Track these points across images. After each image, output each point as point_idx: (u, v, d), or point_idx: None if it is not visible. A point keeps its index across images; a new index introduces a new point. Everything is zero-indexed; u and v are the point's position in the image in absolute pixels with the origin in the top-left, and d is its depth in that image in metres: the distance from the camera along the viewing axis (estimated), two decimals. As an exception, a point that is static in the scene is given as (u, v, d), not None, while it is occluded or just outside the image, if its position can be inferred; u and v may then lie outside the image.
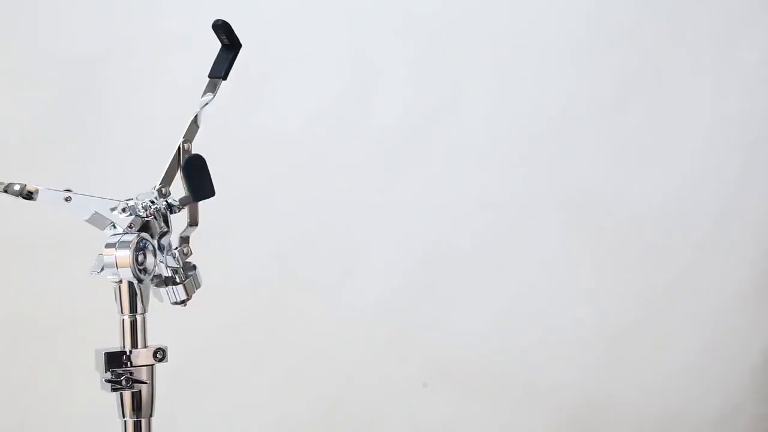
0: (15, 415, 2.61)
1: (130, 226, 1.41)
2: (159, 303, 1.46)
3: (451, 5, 2.97)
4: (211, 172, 1.32)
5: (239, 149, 2.69)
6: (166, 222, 1.44)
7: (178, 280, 1.45)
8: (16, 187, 1.39)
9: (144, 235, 1.39)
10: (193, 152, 1.36)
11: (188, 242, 1.49)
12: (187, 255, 1.48)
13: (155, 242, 1.42)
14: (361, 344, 2.93)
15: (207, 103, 1.52)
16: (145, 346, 1.40)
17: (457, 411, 3.01)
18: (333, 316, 2.90)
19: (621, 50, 3.13)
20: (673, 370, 3.21)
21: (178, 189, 1.46)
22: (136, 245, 1.37)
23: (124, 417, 1.39)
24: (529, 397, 3.08)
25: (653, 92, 3.14)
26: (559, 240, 3.09)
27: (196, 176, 1.24)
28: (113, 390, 1.36)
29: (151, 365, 1.39)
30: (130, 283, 1.38)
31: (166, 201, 1.42)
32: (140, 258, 1.38)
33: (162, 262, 1.43)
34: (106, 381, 1.35)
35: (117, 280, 1.38)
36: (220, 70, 1.54)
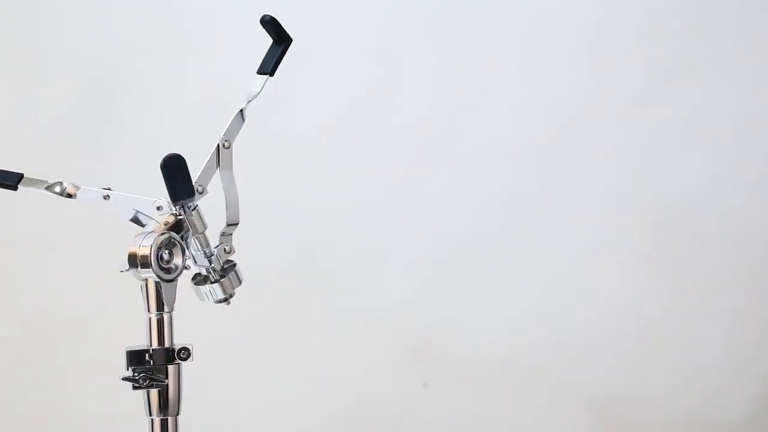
0: (43, 412, 2.67)
1: (165, 224, 1.41)
2: (200, 302, 1.46)
3: (475, 4, 2.94)
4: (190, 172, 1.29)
5: (262, 149, 2.68)
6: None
7: (212, 279, 1.44)
8: (57, 189, 1.41)
9: (171, 234, 1.39)
10: (172, 153, 1.33)
11: (230, 240, 1.48)
12: (229, 253, 1.47)
13: (183, 241, 1.41)
14: (385, 345, 2.91)
15: (251, 100, 1.50)
16: (172, 345, 1.40)
17: (482, 411, 2.97)
18: (355, 317, 2.88)
19: (646, 48, 3.05)
20: (701, 369, 3.12)
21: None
22: (161, 244, 1.37)
23: (150, 415, 1.39)
24: (555, 395, 3.02)
25: (678, 90, 3.06)
26: (583, 238, 3.04)
27: (174, 176, 1.22)
28: (134, 388, 1.36)
29: (175, 364, 1.38)
30: (156, 282, 1.38)
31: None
32: (165, 256, 1.38)
33: (194, 261, 1.42)
34: (122, 379, 1.35)
35: (142, 278, 1.38)
36: (268, 66, 1.53)
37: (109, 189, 1.43)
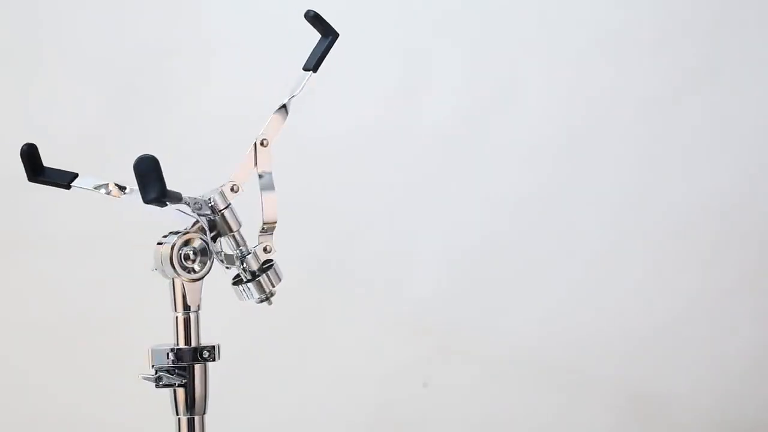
0: (74, 408, 2.71)
1: (195, 224, 1.41)
2: (229, 301, 1.46)
3: (502, 4, 2.92)
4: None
5: (288, 148, 2.66)
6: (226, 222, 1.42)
7: (244, 279, 1.44)
8: (102, 191, 1.43)
9: (194, 233, 1.39)
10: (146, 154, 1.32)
11: (270, 240, 1.47)
12: (269, 252, 1.46)
13: (215, 240, 1.41)
14: (411, 342, 2.89)
15: (293, 97, 1.49)
16: (198, 344, 1.40)
17: (510, 407, 2.94)
18: (382, 314, 2.87)
19: (676, 46, 3.00)
20: (726, 367, 3.06)
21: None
22: (182, 243, 1.37)
23: (177, 414, 1.40)
24: (583, 391, 2.98)
25: (708, 89, 3.00)
26: (607, 237, 3.00)
27: (145, 178, 1.22)
28: (157, 387, 1.37)
29: (200, 363, 1.38)
30: (181, 281, 1.38)
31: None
32: (191, 256, 1.38)
33: (221, 260, 1.42)
34: (143, 377, 1.36)
35: (168, 277, 1.39)
36: (311, 62, 1.52)
37: None
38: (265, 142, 1.47)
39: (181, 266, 1.37)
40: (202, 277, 1.39)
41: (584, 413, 2.99)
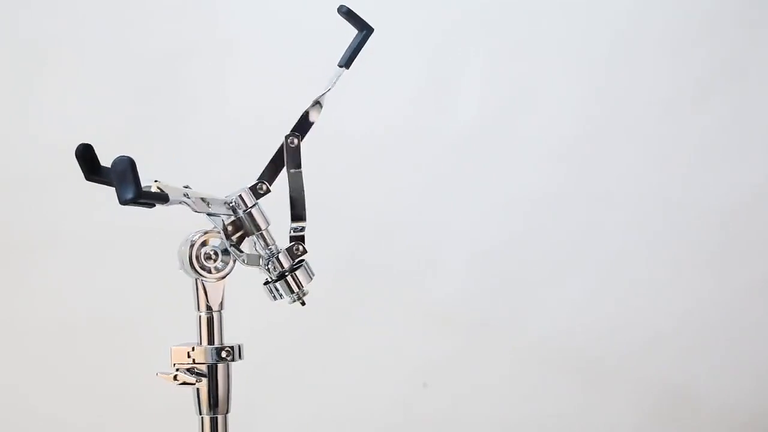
0: (97, 407, 2.72)
1: (222, 223, 1.42)
2: (255, 300, 1.46)
3: (525, 6, 2.91)
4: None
5: (315, 146, 2.64)
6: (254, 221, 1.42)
7: (269, 280, 1.44)
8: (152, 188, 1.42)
9: (213, 233, 1.39)
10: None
11: (302, 240, 1.46)
12: (301, 253, 1.45)
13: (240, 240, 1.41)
14: (440, 340, 2.89)
15: (323, 94, 1.48)
16: (221, 343, 1.40)
17: (541, 405, 2.94)
18: (411, 312, 2.87)
19: (703, 46, 2.97)
20: (755, 364, 3.03)
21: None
22: (200, 243, 1.38)
23: (200, 414, 1.40)
24: (614, 388, 2.97)
25: (736, 88, 2.97)
26: (638, 235, 2.98)
27: (120, 179, 1.22)
28: (179, 385, 1.37)
29: (223, 363, 1.39)
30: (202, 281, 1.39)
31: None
32: (211, 255, 1.38)
33: (243, 260, 1.41)
34: (160, 375, 1.36)
35: (191, 276, 1.40)
36: (344, 58, 1.51)
37: (188, 187, 1.44)
38: (293, 140, 1.46)
39: (200, 266, 1.37)
40: (223, 277, 1.40)
41: (610, 408, 2.98)
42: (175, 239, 1.42)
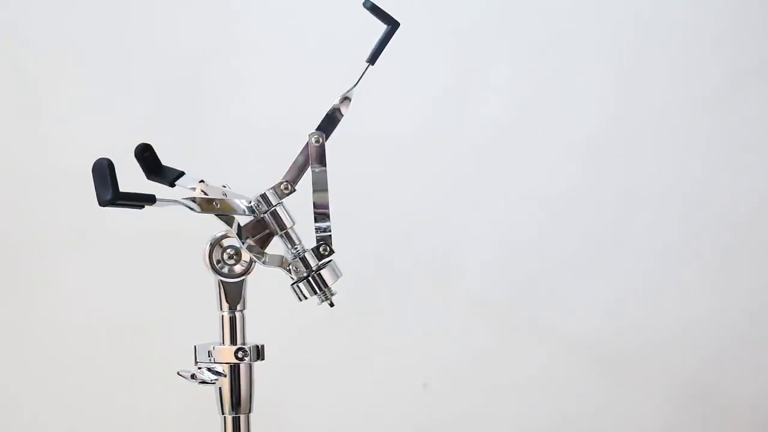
0: (119, 408, 2.73)
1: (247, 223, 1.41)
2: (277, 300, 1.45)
3: (550, 5, 2.88)
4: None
5: (339, 147, 2.63)
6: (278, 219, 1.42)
7: (293, 279, 1.43)
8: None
9: (227, 233, 1.38)
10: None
11: (329, 240, 1.45)
12: (327, 254, 1.44)
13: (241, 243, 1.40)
14: (467, 339, 2.87)
15: (351, 88, 1.48)
16: (244, 343, 1.40)
17: (569, 402, 2.91)
18: (437, 311, 2.86)
19: (726, 46, 2.92)
20: None
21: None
22: (221, 244, 1.37)
23: (223, 413, 1.40)
24: (642, 386, 2.94)
25: (759, 89, 2.92)
26: (666, 235, 2.94)
27: (99, 181, 1.22)
28: (200, 383, 1.37)
29: (244, 363, 1.38)
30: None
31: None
32: (223, 256, 1.38)
33: (264, 261, 1.41)
34: (179, 373, 1.36)
35: (213, 276, 1.39)
36: (371, 53, 1.50)
37: (225, 186, 1.43)
38: (317, 139, 1.45)
39: (219, 266, 1.37)
40: (240, 277, 1.39)
41: (638, 406, 2.96)
42: (199, 240, 1.42)
